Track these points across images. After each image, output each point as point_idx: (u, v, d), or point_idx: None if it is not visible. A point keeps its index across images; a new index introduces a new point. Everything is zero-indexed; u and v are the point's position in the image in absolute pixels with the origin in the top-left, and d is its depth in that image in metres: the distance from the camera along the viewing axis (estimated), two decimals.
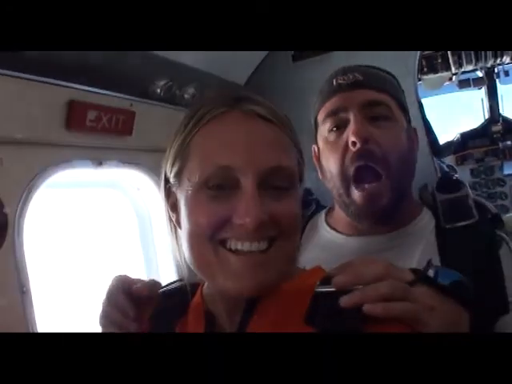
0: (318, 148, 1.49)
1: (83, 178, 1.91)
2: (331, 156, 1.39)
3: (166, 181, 1.02)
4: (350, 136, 1.33)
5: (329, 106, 1.42)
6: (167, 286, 1.19)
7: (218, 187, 0.91)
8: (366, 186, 1.34)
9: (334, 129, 1.40)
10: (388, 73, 1.50)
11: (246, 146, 0.91)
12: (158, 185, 2.05)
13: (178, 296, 1.11)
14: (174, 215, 1.02)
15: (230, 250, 0.91)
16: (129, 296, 1.12)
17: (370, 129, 1.35)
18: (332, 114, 1.40)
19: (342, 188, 1.38)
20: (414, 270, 1.01)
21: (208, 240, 0.92)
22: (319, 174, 1.50)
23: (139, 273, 2.22)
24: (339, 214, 1.50)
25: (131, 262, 2.26)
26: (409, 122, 1.47)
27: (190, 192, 0.94)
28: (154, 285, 1.16)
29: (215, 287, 0.97)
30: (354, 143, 1.33)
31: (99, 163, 1.83)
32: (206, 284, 1.08)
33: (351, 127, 1.34)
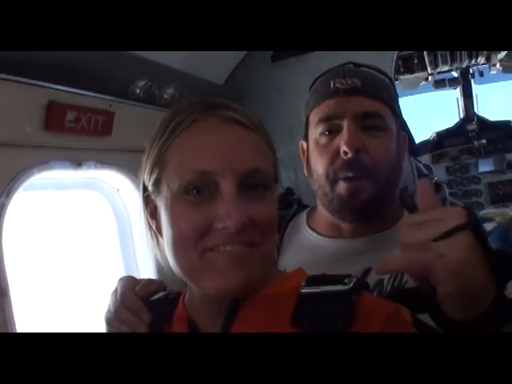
0: (308, 146, 1.48)
1: (62, 180, 1.89)
2: (320, 159, 1.39)
3: (145, 189, 1.03)
4: (342, 145, 1.33)
5: (323, 108, 1.40)
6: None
7: (197, 193, 0.92)
8: (351, 182, 1.34)
9: (326, 133, 1.39)
10: (385, 74, 1.49)
11: (223, 150, 0.92)
12: (137, 186, 2.06)
13: (162, 306, 1.12)
14: (154, 222, 1.02)
15: (214, 251, 0.92)
16: (141, 298, 1.13)
17: (363, 139, 1.34)
18: (326, 118, 1.39)
19: (327, 187, 1.38)
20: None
21: (193, 246, 0.92)
22: (305, 170, 1.50)
23: (118, 274, 2.21)
24: (321, 215, 1.49)
25: (110, 263, 2.25)
26: (400, 128, 1.47)
27: (170, 199, 0.94)
28: (159, 283, 1.17)
29: (202, 290, 0.97)
30: (345, 152, 1.33)
31: (78, 164, 1.82)
32: (187, 293, 1.08)
33: (344, 136, 1.33)
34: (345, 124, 1.35)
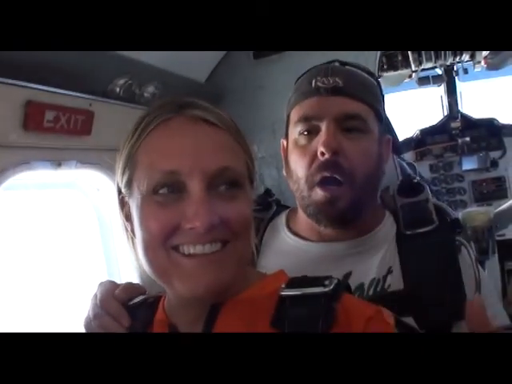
0: (287, 144, 1.47)
1: (42, 180, 1.88)
2: (299, 160, 1.38)
3: (119, 191, 1.03)
4: (320, 146, 1.31)
5: (303, 107, 1.39)
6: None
7: (166, 193, 0.92)
8: (329, 188, 1.33)
9: (305, 133, 1.37)
10: (372, 75, 1.47)
11: (190, 150, 0.92)
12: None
13: (141, 310, 1.11)
14: (129, 224, 1.02)
15: (183, 254, 0.92)
16: (121, 303, 1.12)
17: (341, 140, 1.32)
18: (305, 118, 1.37)
19: (305, 191, 1.37)
20: None
21: (161, 246, 0.92)
22: (284, 170, 1.49)
23: (100, 274, 2.20)
24: (301, 218, 1.48)
25: (92, 262, 2.23)
26: (383, 131, 1.45)
27: (139, 200, 0.94)
28: (139, 288, 1.17)
29: (173, 292, 0.97)
30: (322, 153, 1.31)
31: (58, 164, 1.80)
32: (166, 298, 1.08)
33: (322, 137, 1.32)
34: (324, 125, 1.33)
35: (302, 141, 1.38)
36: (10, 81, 1.52)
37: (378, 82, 1.50)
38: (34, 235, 2.04)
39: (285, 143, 1.49)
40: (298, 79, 1.50)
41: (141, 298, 1.15)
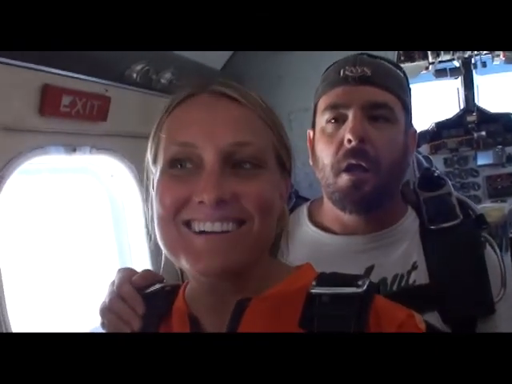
0: (314, 134, 1.45)
1: (57, 165, 1.88)
2: (325, 148, 1.36)
3: (150, 172, 1.00)
4: (347, 133, 1.30)
5: (331, 96, 1.38)
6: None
7: (181, 167, 0.89)
8: (354, 173, 1.31)
9: (333, 121, 1.36)
10: (399, 68, 1.46)
11: (207, 123, 0.89)
12: (132, 171, 2.05)
13: (158, 299, 1.08)
14: None
15: (194, 231, 0.88)
16: (137, 290, 1.09)
17: (368, 129, 1.31)
18: (333, 106, 1.36)
19: (330, 178, 1.35)
20: None
21: (171, 220, 0.89)
22: (310, 159, 1.46)
23: (112, 260, 2.20)
24: (325, 209, 1.47)
25: (104, 248, 2.24)
26: (410, 123, 1.44)
27: (159, 175, 0.92)
28: (157, 275, 1.13)
29: (185, 268, 0.94)
30: (349, 141, 1.30)
31: (73, 149, 1.79)
32: (188, 286, 1.05)
33: (349, 124, 1.31)
34: (351, 113, 1.32)
35: (329, 129, 1.36)
36: (28, 64, 1.51)
37: (405, 75, 1.48)
38: (47, 220, 2.04)
39: (311, 134, 1.47)
40: (326, 70, 1.48)
41: (158, 285, 1.11)
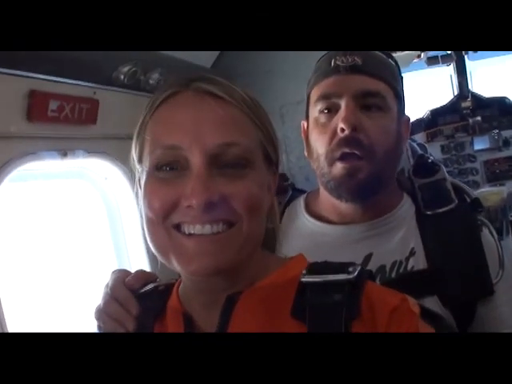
0: (308, 124, 1.47)
1: (48, 170, 1.87)
2: (319, 138, 1.38)
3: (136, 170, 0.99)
4: (340, 122, 1.32)
5: (323, 86, 1.40)
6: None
7: (168, 169, 0.88)
8: (348, 161, 1.34)
9: (326, 111, 1.38)
10: (390, 57, 1.48)
11: (192, 124, 0.88)
12: (126, 173, 2.04)
13: (152, 298, 1.08)
14: None
15: (184, 234, 0.88)
16: (132, 292, 1.09)
17: (361, 117, 1.33)
18: (325, 96, 1.38)
19: (325, 167, 1.37)
20: None
21: (161, 224, 0.89)
22: (305, 150, 1.49)
23: (110, 263, 2.20)
24: (322, 199, 1.49)
25: (102, 251, 2.23)
26: (402, 111, 1.46)
27: (145, 177, 0.92)
28: (150, 275, 1.14)
29: (176, 269, 0.93)
30: (342, 130, 1.32)
31: (64, 154, 1.79)
32: (181, 284, 1.05)
33: (342, 113, 1.33)
34: (343, 102, 1.34)
35: (322, 119, 1.39)
36: (13, 71, 1.51)
37: (397, 63, 1.50)
38: (42, 226, 2.03)
39: (305, 125, 1.49)
40: (318, 61, 1.50)
41: (151, 285, 1.11)
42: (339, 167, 1.34)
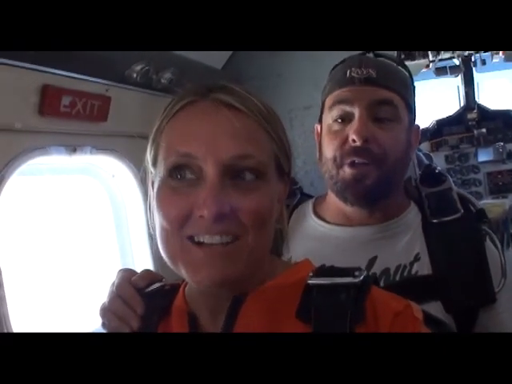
0: (321, 129, 1.49)
1: (57, 165, 1.87)
2: (330, 145, 1.40)
3: (149, 172, 0.99)
4: (351, 134, 1.34)
5: (338, 95, 1.43)
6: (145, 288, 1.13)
7: (180, 176, 0.89)
8: (358, 165, 1.36)
9: (339, 120, 1.40)
10: (404, 66, 1.50)
11: (208, 134, 0.88)
12: (133, 171, 2.04)
13: (158, 298, 1.08)
14: None
15: (194, 242, 0.88)
16: (137, 291, 1.09)
17: (373, 129, 1.36)
18: (339, 105, 1.41)
19: (333, 170, 1.40)
20: None
21: (175, 233, 0.89)
22: (317, 154, 1.51)
23: (114, 260, 2.20)
24: (329, 202, 1.51)
25: (106, 248, 2.24)
26: (413, 120, 1.49)
27: (158, 183, 0.92)
28: (156, 275, 1.14)
29: (183, 277, 0.94)
30: (353, 140, 1.35)
31: (73, 150, 1.79)
32: (188, 284, 1.04)
33: (355, 124, 1.35)
34: (356, 112, 1.37)
35: (335, 127, 1.41)
36: (27, 65, 1.51)
37: (410, 74, 1.52)
38: (48, 221, 2.04)
39: (318, 128, 1.52)
40: (333, 68, 1.53)
41: (157, 284, 1.11)
42: (348, 172, 1.37)
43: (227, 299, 0.95)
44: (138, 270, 1.19)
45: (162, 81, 2.02)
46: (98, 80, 1.78)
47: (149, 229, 1.01)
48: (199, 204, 0.86)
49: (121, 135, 1.98)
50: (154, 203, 0.94)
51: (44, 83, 1.57)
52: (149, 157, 0.97)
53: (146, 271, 1.17)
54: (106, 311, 1.13)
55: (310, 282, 0.95)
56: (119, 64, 1.82)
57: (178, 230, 0.89)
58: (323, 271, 0.97)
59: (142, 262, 2.14)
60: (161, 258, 1.00)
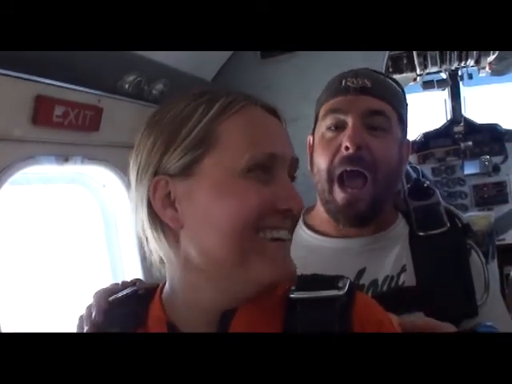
0: (314, 140, 1.51)
1: (48, 175, 1.88)
2: (323, 153, 1.42)
3: (155, 174, 0.93)
4: (345, 140, 1.36)
5: (332, 104, 1.45)
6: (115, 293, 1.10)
7: (260, 173, 0.89)
8: (349, 190, 1.38)
9: (333, 128, 1.42)
10: (397, 84, 1.53)
11: (281, 137, 0.95)
12: (124, 182, 2.05)
13: (131, 303, 1.05)
14: (170, 211, 0.92)
15: (267, 238, 0.90)
16: (110, 295, 1.09)
17: (366, 137, 1.38)
18: (333, 113, 1.43)
19: (326, 184, 1.42)
20: None
21: (249, 227, 0.88)
22: (308, 165, 1.52)
23: (104, 270, 2.20)
24: (319, 212, 1.52)
25: (96, 258, 2.24)
26: (405, 135, 1.51)
27: (221, 179, 0.89)
28: (132, 281, 1.14)
29: (248, 275, 0.90)
30: (346, 148, 1.36)
31: (65, 159, 1.80)
32: (165, 291, 1.01)
33: (348, 132, 1.37)
34: (350, 120, 1.39)
35: (329, 135, 1.43)
36: (21, 75, 1.52)
37: (403, 91, 1.55)
38: (38, 231, 2.04)
39: (311, 140, 1.53)
40: (329, 81, 1.55)
41: (130, 289, 1.08)
42: (340, 196, 1.39)
43: (213, 312, 0.94)
44: (128, 279, 1.18)
45: (154, 92, 2.03)
46: (91, 90, 1.79)
47: (137, 238, 1.01)
48: (283, 198, 0.90)
49: (112, 145, 1.98)
50: (206, 203, 0.90)
51: (37, 93, 1.58)
52: (178, 157, 0.91)
53: (125, 281, 1.16)
54: (80, 319, 1.15)
55: (292, 296, 0.95)
56: (111, 75, 1.83)
57: (254, 222, 0.88)
58: (305, 282, 0.97)
59: (132, 272, 2.14)
60: (150, 268, 0.99)
